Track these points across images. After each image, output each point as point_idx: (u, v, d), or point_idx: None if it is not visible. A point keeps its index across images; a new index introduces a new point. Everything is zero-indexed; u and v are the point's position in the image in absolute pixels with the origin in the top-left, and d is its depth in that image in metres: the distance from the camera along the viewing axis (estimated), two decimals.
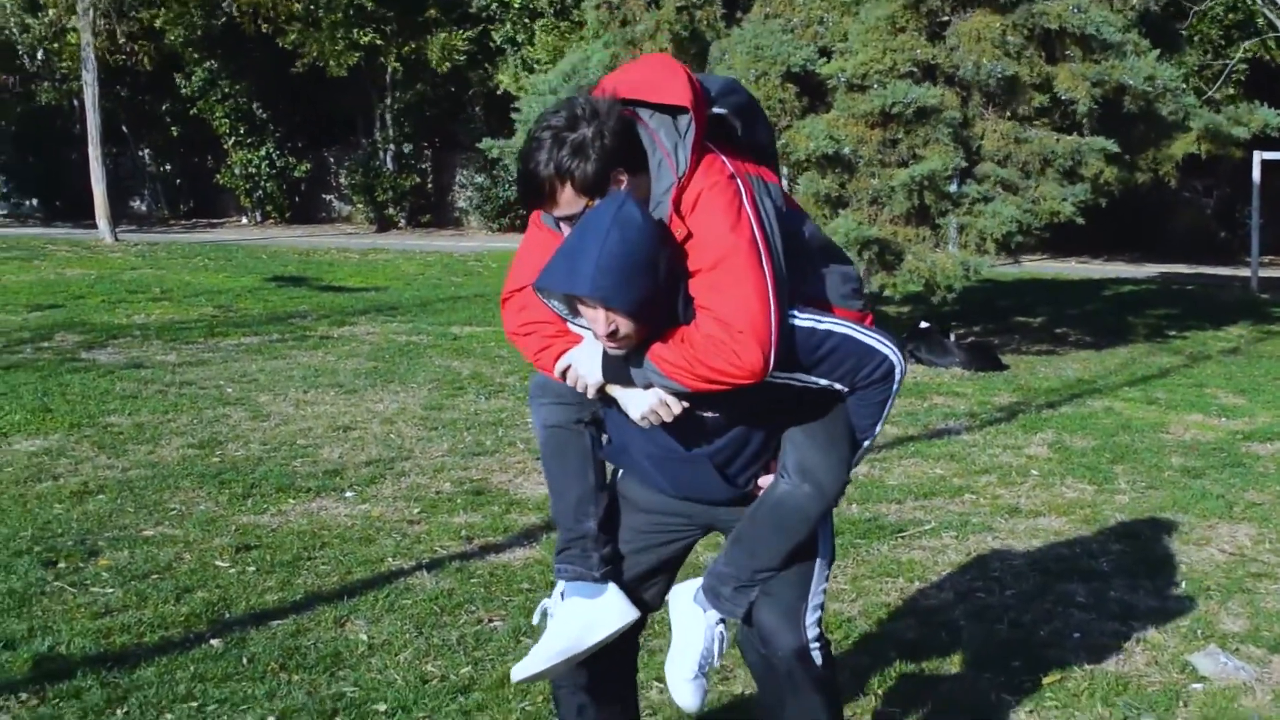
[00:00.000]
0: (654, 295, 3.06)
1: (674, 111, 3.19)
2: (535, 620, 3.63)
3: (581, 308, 3.12)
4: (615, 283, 3.00)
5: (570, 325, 3.29)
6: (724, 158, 3.22)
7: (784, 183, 3.42)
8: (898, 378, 3.30)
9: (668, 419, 3.24)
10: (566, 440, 3.49)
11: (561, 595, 3.54)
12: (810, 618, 3.45)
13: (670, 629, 3.59)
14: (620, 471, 3.64)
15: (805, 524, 3.36)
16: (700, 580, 3.54)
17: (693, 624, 3.49)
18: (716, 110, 3.30)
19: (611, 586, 3.53)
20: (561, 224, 3.22)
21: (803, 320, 3.21)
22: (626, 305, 3.02)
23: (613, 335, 3.09)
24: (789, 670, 3.44)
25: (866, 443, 3.41)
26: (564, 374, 3.30)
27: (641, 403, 3.23)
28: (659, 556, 3.64)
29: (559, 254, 3.11)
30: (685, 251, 3.12)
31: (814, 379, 3.25)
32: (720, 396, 3.19)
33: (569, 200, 3.15)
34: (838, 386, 3.28)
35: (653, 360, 3.14)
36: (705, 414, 3.29)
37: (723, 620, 3.49)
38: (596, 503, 3.52)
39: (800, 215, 3.43)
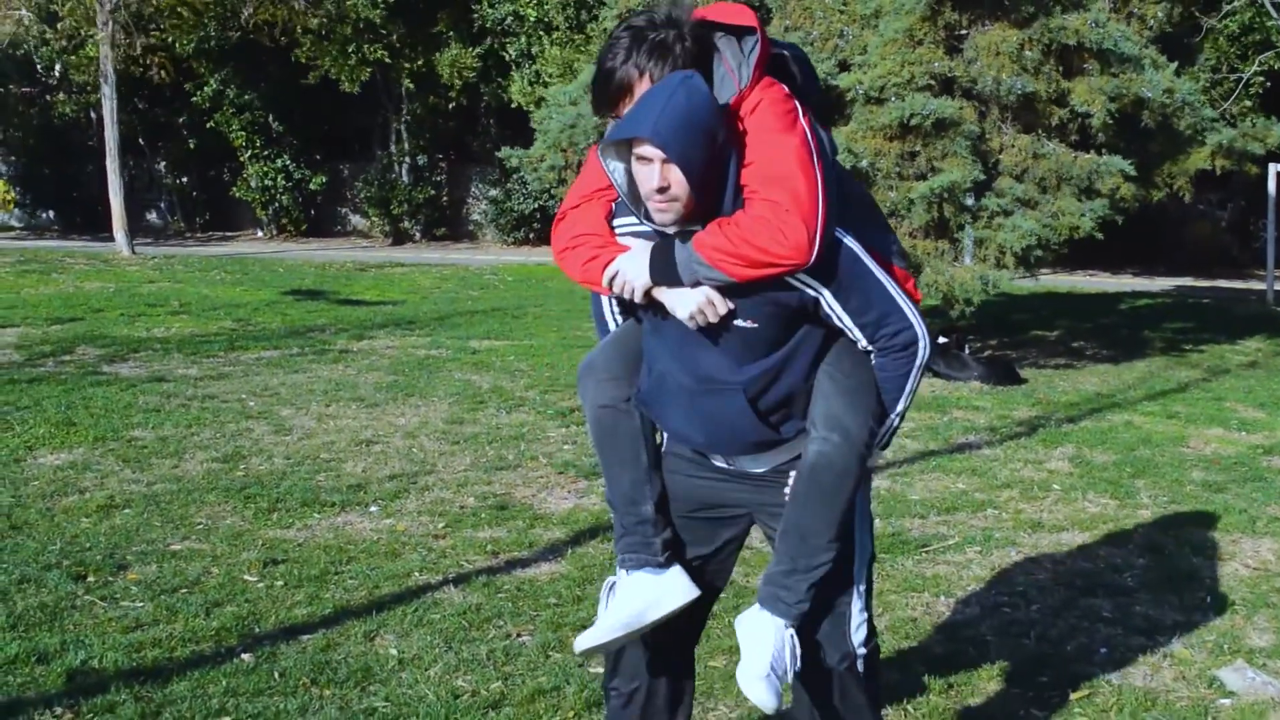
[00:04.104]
0: (707, 162, 3.14)
1: (740, 33, 3.30)
2: (601, 599, 3.64)
3: (637, 166, 3.19)
4: (675, 132, 3.08)
5: (619, 237, 3.35)
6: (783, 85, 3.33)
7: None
8: (920, 351, 3.36)
9: (714, 319, 3.27)
10: (616, 420, 3.52)
11: (626, 572, 3.57)
12: (856, 620, 3.48)
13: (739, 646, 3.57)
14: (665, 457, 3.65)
15: (843, 479, 3.34)
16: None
17: (761, 630, 3.45)
18: (781, 52, 3.42)
19: (675, 566, 3.56)
20: None
21: (853, 245, 3.30)
22: (681, 155, 3.09)
23: (663, 191, 3.15)
24: (838, 679, 3.46)
25: (893, 419, 3.44)
26: (611, 282, 3.34)
27: (689, 301, 3.27)
28: (710, 548, 3.67)
29: (627, 112, 3.22)
30: (741, 145, 3.21)
31: (840, 311, 3.31)
32: (758, 297, 3.25)
33: None
34: (859, 334, 3.34)
35: (698, 249, 3.20)
36: (744, 323, 3.32)
37: (790, 627, 3.47)
38: (651, 483, 3.55)
39: (850, 176, 3.50)
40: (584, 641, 3.55)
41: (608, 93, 3.33)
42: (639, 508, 3.55)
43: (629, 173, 3.25)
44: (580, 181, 3.51)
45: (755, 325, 3.33)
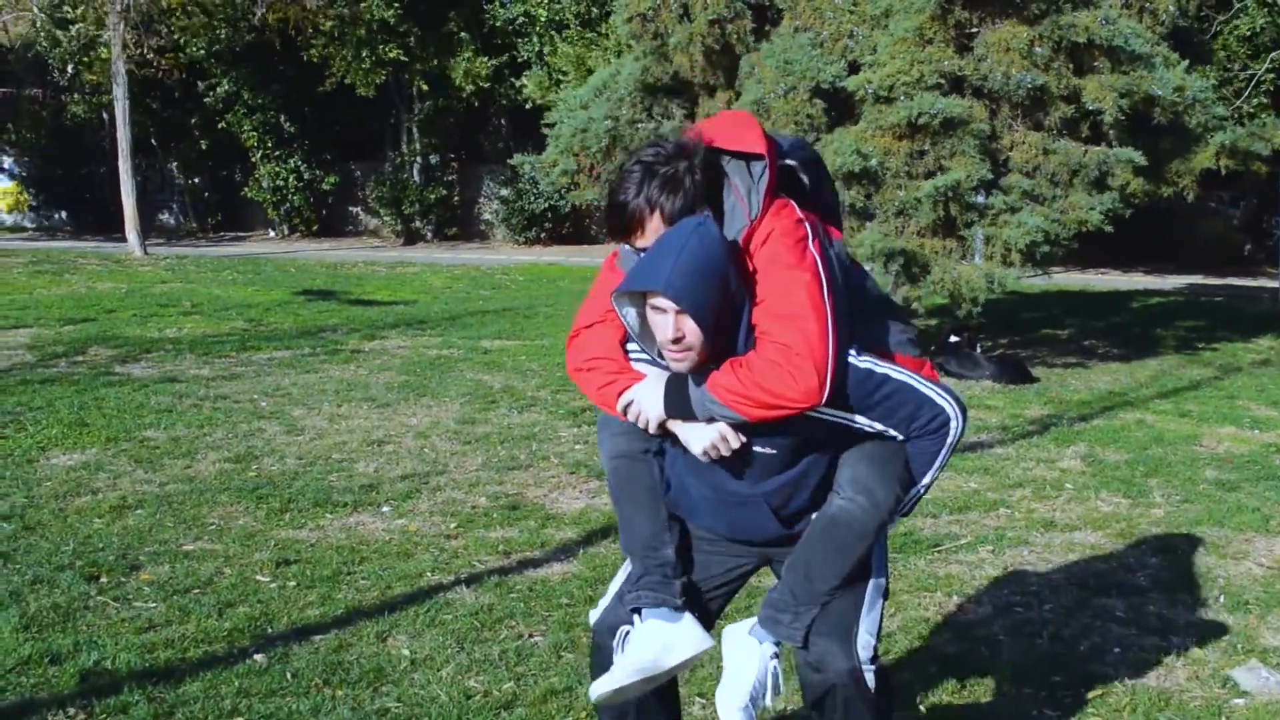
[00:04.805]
0: (721, 308, 3.16)
1: (748, 159, 3.33)
2: (615, 647, 3.63)
3: (651, 314, 3.21)
4: (688, 283, 3.10)
5: (632, 362, 3.36)
6: (794, 204, 3.34)
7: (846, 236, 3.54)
8: (953, 430, 3.37)
9: (727, 453, 3.32)
10: (633, 470, 3.54)
11: (639, 617, 3.57)
12: (863, 639, 3.47)
13: (722, 662, 3.61)
14: None
15: (859, 540, 3.39)
16: (753, 618, 3.57)
17: (747, 655, 3.52)
18: (787, 162, 3.43)
19: (689, 615, 3.57)
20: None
21: (862, 362, 3.30)
22: (696, 307, 3.12)
23: (677, 342, 3.17)
24: (843, 693, 3.45)
25: (920, 489, 3.47)
26: (626, 410, 3.36)
27: (703, 437, 3.32)
28: (719, 582, 3.68)
29: (639, 261, 3.24)
30: (752, 282, 3.23)
31: (869, 423, 3.33)
32: (777, 431, 3.28)
33: (655, 231, 3.29)
34: (891, 433, 3.35)
35: (711, 390, 3.23)
36: (762, 449, 3.35)
37: (776, 655, 3.51)
38: (671, 530, 3.57)
39: (861, 271, 3.58)
40: (599, 688, 3.55)
41: (620, 225, 3.36)
42: (659, 552, 3.57)
43: (641, 315, 3.28)
44: (593, 297, 3.55)
45: (773, 452, 3.38)
